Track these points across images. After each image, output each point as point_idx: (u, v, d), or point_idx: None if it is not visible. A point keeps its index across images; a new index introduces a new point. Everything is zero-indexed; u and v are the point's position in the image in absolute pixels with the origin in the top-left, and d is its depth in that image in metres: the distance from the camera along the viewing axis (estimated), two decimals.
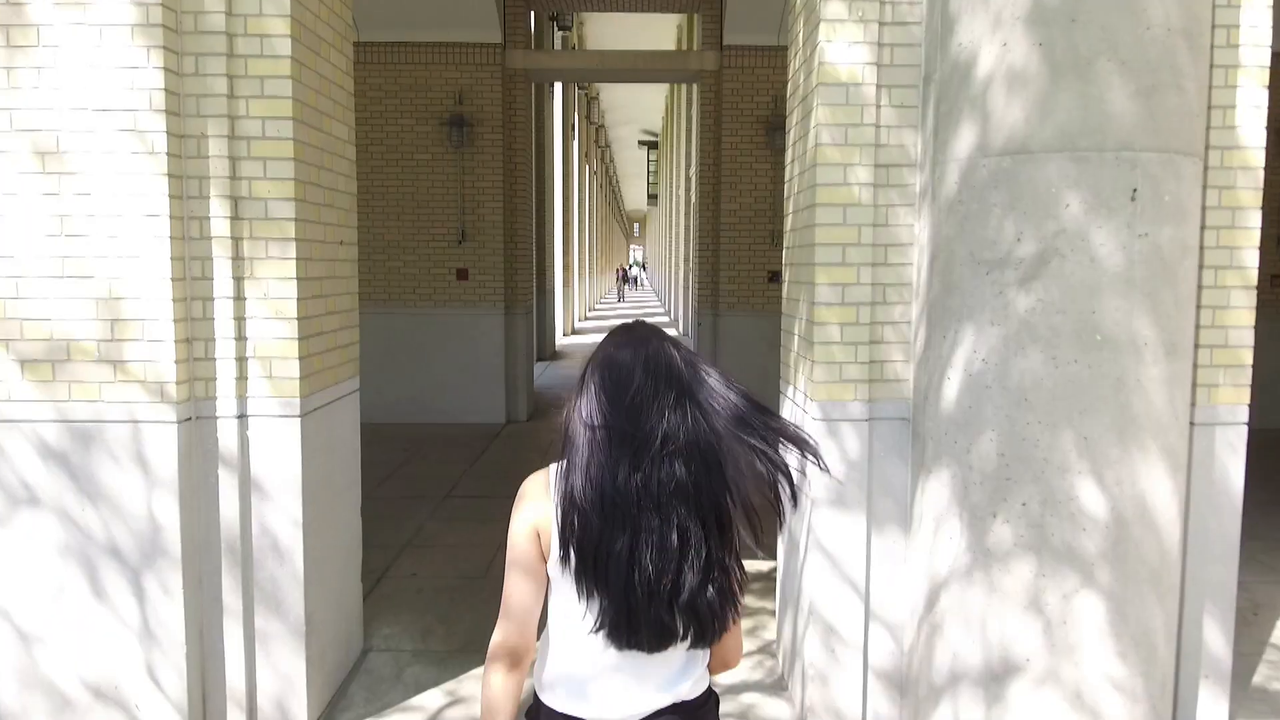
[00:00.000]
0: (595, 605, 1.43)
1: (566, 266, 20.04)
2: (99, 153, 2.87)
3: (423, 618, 4.22)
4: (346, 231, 3.59)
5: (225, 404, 3.04)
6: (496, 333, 9.01)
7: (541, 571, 1.50)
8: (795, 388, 3.45)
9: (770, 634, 4.03)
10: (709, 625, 1.44)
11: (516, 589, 1.49)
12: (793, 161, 3.58)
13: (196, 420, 3.03)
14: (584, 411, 1.45)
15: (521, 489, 1.53)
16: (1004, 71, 2.54)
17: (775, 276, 8.99)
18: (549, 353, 15.57)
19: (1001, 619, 2.58)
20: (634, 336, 1.50)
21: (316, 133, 3.25)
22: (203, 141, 2.96)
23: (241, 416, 3.06)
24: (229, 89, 2.96)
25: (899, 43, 3.00)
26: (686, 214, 19.41)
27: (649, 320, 1.59)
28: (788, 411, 3.57)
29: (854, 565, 3.11)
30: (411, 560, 5.05)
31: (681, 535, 1.39)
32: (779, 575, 3.86)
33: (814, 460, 1.45)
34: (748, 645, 3.85)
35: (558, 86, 17.36)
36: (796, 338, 3.44)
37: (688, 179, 19.96)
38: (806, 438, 1.49)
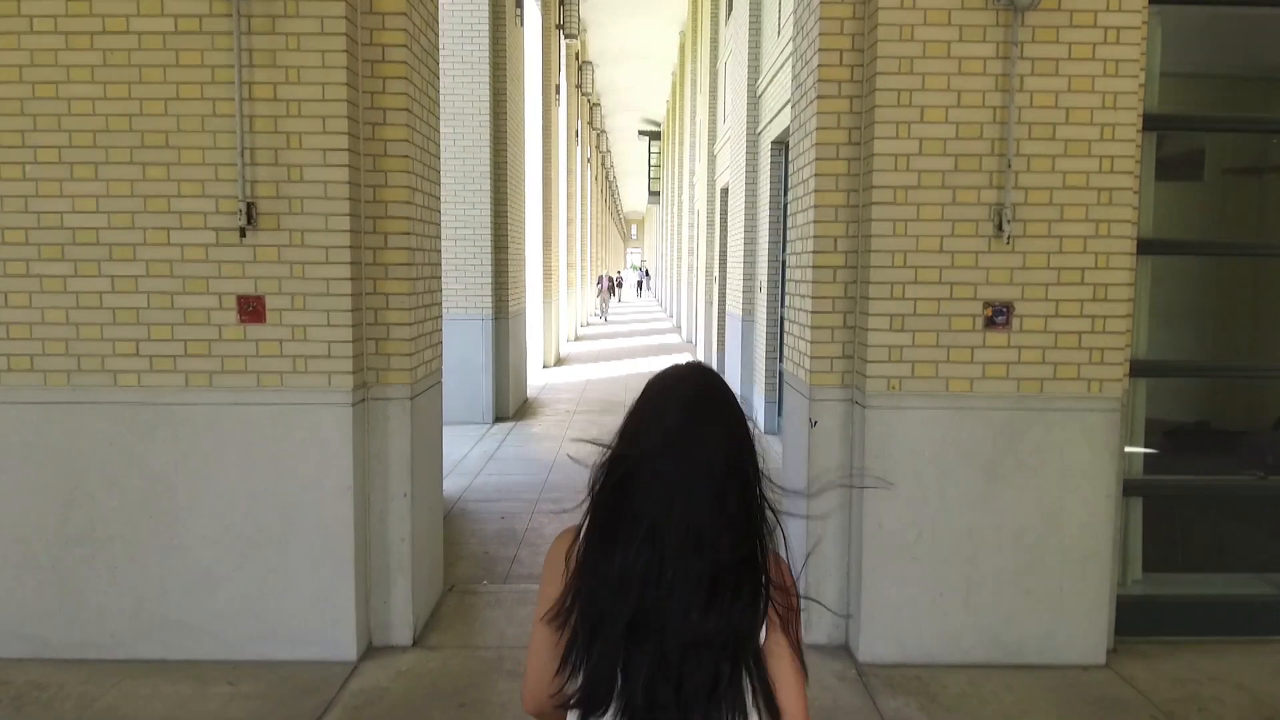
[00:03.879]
0: (574, 682, 1.35)
1: (549, 273, 14.64)
2: None
3: None
4: None
5: None
6: (335, 445, 3.76)
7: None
8: None
9: None
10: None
11: (534, 651, 1.44)
12: None
13: None
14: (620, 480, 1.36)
15: (550, 554, 1.45)
16: None
17: (1003, 313, 3.78)
18: (513, 409, 10.24)
19: None
20: (693, 404, 1.38)
21: None
22: None
23: None
24: None
25: None
26: (708, 209, 14.39)
27: (703, 365, 1.45)
28: None
29: None
30: None
31: (686, 619, 1.31)
32: None
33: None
34: None
35: (531, 18, 12.12)
36: None
37: (711, 156, 14.92)
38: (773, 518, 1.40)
